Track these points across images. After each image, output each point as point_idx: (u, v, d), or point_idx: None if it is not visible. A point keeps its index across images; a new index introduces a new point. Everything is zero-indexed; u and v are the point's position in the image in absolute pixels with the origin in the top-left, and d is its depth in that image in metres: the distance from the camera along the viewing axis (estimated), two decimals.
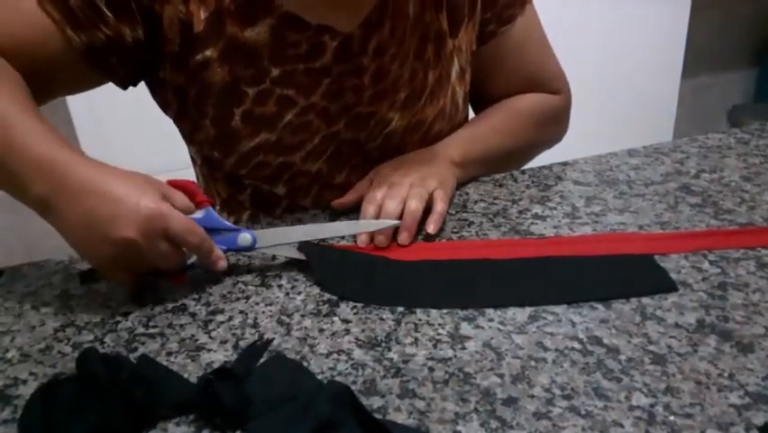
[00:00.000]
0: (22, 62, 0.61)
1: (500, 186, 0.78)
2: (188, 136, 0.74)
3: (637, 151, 0.87)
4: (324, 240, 0.66)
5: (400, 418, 0.43)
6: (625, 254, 0.62)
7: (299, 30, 0.67)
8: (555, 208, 0.72)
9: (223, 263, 0.58)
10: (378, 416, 0.43)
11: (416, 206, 0.65)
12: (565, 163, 0.84)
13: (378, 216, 0.65)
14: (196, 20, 0.65)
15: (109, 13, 0.62)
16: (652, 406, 0.43)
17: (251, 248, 0.60)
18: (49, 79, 0.63)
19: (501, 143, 0.82)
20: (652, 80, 2.02)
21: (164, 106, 0.73)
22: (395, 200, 0.66)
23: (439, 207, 0.67)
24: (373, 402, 0.44)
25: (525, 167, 0.85)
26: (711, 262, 0.60)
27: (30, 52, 0.61)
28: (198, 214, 0.58)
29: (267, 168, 0.73)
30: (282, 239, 0.62)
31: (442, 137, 0.79)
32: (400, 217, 0.65)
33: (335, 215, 0.73)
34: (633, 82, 1.96)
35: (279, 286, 0.59)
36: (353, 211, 0.72)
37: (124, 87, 0.70)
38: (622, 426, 0.42)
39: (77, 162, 0.54)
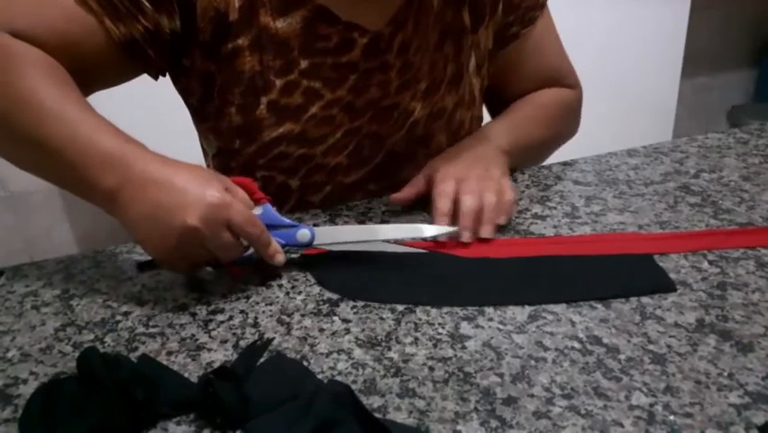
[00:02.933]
0: (64, 58, 0.61)
1: None
2: (209, 124, 0.74)
3: (637, 150, 0.87)
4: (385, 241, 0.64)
5: (400, 417, 0.43)
6: (624, 254, 0.62)
7: (330, 24, 0.68)
8: (555, 208, 0.72)
9: (281, 257, 0.59)
10: (378, 415, 0.43)
11: (493, 199, 0.66)
12: (565, 163, 0.85)
13: (454, 211, 0.66)
14: (232, 8, 0.65)
15: (148, 4, 0.62)
16: (651, 405, 0.43)
17: (309, 244, 0.60)
18: (89, 74, 0.64)
19: (538, 133, 0.84)
20: (652, 80, 2.02)
21: (185, 93, 0.73)
22: (471, 195, 0.66)
23: (509, 195, 0.68)
24: (373, 402, 0.44)
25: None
26: (711, 262, 0.60)
27: (71, 47, 0.61)
28: (257, 210, 0.59)
29: (287, 159, 0.73)
30: (341, 238, 0.62)
31: (464, 125, 0.80)
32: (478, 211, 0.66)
33: (335, 215, 0.73)
34: (633, 82, 1.96)
35: (280, 286, 0.59)
36: (361, 212, 0.72)
37: (157, 78, 0.71)
38: (622, 425, 0.42)
39: (144, 156, 0.55)
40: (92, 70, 0.64)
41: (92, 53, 0.63)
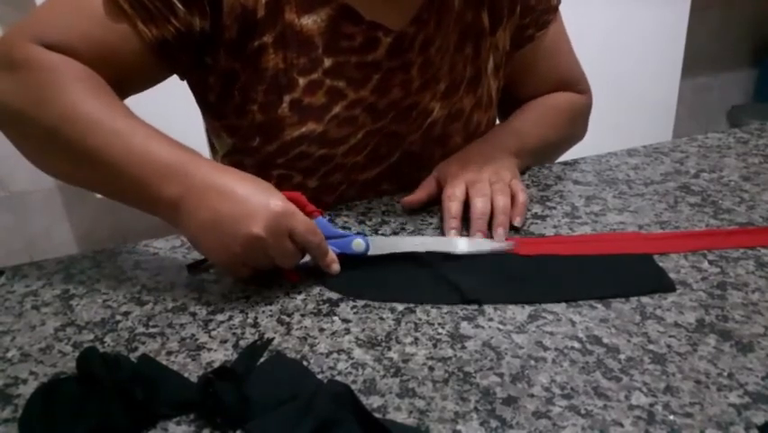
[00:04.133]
0: (100, 66, 0.60)
1: None
2: (226, 121, 0.74)
3: (637, 150, 0.87)
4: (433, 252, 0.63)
5: (400, 417, 0.43)
6: (624, 254, 0.62)
7: (354, 23, 0.68)
8: (555, 208, 0.72)
9: (336, 267, 0.59)
10: (378, 415, 0.43)
11: (504, 202, 0.67)
12: (565, 163, 0.85)
13: (460, 212, 0.66)
14: (259, 5, 0.66)
15: (180, 5, 0.62)
16: (651, 405, 0.43)
17: (364, 253, 0.61)
18: (125, 80, 0.63)
19: (547, 136, 0.85)
20: (652, 80, 2.01)
21: (202, 90, 0.73)
22: (482, 198, 0.67)
23: (521, 197, 0.68)
24: (373, 402, 0.44)
25: None
26: (711, 262, 0.60)
27: (106, 55, 0.61)
28: None
29: (307, 159, 0.73)
30: (395, 248, 0.62)
31: (480, 126, 0.81)
32: (490, 213, 0.66)
33: (335, 215, 0.73)
34: (633, 82, 1.96)
35: (280, 285, 0.59)
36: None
37: (183, 78, 0.72)
38: (622, 425, 0.42)
39: (202, 164, 0.55)
40: (127, 76, 0.64)
41: (127, 59, 0.62)
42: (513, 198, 0.68)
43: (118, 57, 0.62)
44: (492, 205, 0.67)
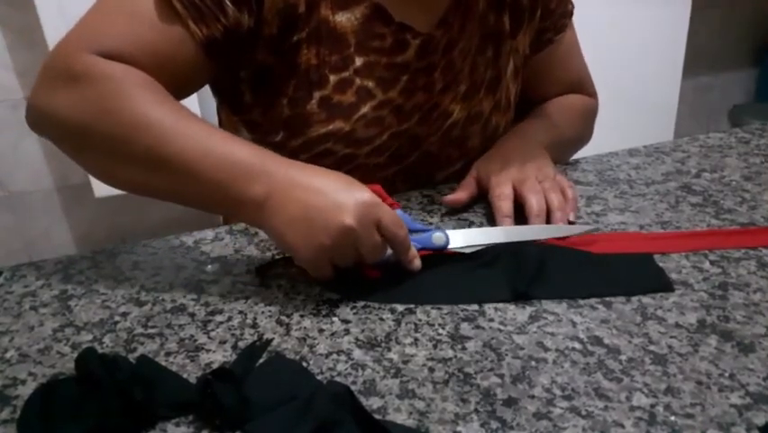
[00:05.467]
0: (156, 70, 0.60)
1: None
2: (248, 116, 0.73)
3: (638, 150, 0.87)
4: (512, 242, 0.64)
5: (400, 418, 0.43)
6: (623, 253, 0.61)
7: (385, 23, 0.69)
8: None
9: (418, 262, 0.58)
10: (377, 416, 0.43)
11: (558, 198, 0.67)
12: (566, 163, 0.85)
13: (512, 211, 0.67)
14: (300, 1, 0.66)
15: (229, 3, 0.62)
16: (652, 406, 0.43)
17: (444, 247, 0.61)
18: (180, 83, 0.63)
19: (568, 134, 0.86)
20: (652, 80, 2.01)
21: (225, 85, 0.72)
22: (536, 195, 0.67)
23: (571, 193, 0.69)
24: (373, 403, 0.44)
25: None
26: (712, 262, 0.60)
27: (162, 59, 0.60)
28: None
29: (331, 157, 0.73)
30: (476, 240, 0.62)
31: (498, 129, 0.81)
32: (546, 210, 0.66)
33: None
34: (633, 82, 1.96)
35: (279, 286, 0.59)
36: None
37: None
38: (623, 426, 0.41)
39: (282, 161, 0.55)
40: (182, 81, 0.63)
41: (182, 64, 0.62)
42: (562, 193, 0.68)
43: (174, 62, 0.61)
44: (547, 202, 0.66)
